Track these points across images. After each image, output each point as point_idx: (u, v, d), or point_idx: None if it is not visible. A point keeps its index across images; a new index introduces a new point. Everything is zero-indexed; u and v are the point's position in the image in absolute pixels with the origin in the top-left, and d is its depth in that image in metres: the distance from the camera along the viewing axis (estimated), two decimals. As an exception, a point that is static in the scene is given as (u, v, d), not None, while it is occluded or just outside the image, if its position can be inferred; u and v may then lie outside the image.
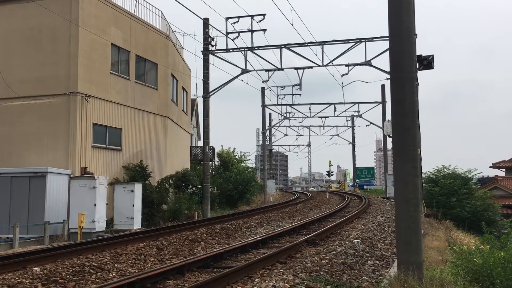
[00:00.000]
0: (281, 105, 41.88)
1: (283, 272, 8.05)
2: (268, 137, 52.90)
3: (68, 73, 19.89)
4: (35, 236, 16.43)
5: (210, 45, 24.65)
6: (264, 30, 24.16)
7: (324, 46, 24.07)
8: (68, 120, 19.67)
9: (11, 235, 15.48)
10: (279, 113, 45.53)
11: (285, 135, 56.21)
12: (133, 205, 19.09)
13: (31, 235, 16.55)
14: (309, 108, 42.28)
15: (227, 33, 24.12)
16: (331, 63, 24.36)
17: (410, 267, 6.67)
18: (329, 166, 70.08)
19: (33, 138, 19.84)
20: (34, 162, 19.20)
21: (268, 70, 26.31)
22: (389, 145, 43.29)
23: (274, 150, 68.04)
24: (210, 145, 26.29)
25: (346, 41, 23.90)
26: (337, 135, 53.81)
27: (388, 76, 26.09)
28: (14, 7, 20.84)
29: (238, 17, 24.09)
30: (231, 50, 24.78)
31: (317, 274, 7.75)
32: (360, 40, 23.60)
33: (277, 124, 49.63)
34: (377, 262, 9.51)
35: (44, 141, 19.69)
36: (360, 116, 42.93)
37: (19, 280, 8.25)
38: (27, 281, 8.22)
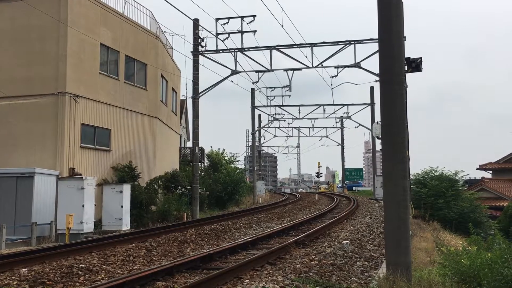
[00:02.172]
0: (271, 106, 41.93)
1: (273, 273, 8.06)
2: (257, 138, 52.95)
3: (56, 73, 19.72)
4: (22, 237, 16.23)
5: (200, 46, 24.61)
6: (254, 32, 24.19)
7: (314, 47, 24.16)
8: (56, 120, 19.49)
9: (-3, 236, 15.28)
10: (268, 114, 45.61)
11: (275, 136, 56.22)
12: (122, 206, 18.96)
13: (18, 236, 16.35)
14: (299, 109, 42.41)
15: (217, 34, 24.11)
16: (320, 65, 24.46)
17: (398, 268, 6.72)
18: (318, 167, 70.27)
19: (20, 138, 19.63)
20: (21, 163, 18.99)
21: (258, 71, 26.32)
22: (378, 146, 43.59)
23: (263, 151, 68.11)
24: (200, 146, 26.22)
25: (335, 43, 24.01)
26: (326, 136, 54.03)
27: (377, 78, 26.31)
28: (1, 6, 20.60)
29: (228, 18, 24.09)
30: (221, 51, 24.76)
31: (306, 275, 7.78)
32: (349, 42, 23.72)
33: (267, 125, 49.70)
34: (366, 263, 9.57)
35: (32, 142, 19.49)
36: (349, 117, 43.14)
37: (6, 282, 8.16)
38: (15, 283, 8.14)
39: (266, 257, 9.70)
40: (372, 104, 42.45)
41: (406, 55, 10.76)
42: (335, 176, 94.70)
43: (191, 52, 24.75)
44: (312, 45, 24.16)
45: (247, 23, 24.01)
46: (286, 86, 34.35)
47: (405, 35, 7.71)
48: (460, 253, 8.54)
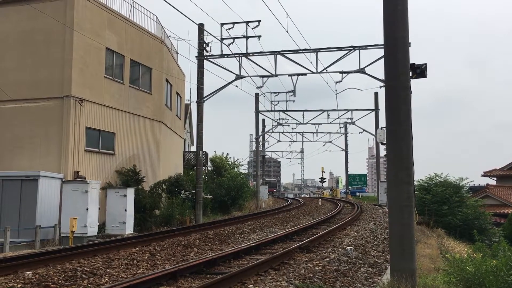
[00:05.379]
0: (275, 111, 42.00)
1: (277, 278, 8.05)
2: (261, 143, 52.94)
3: (62, 77, 19.82)
4: (26, 240, 16.27)
5: (204, 51, 24.68)
6: (259, 37, 24.25)
7: (318, 53, 24.18)
8: (61, 123, 19.57)
9: (1, 239, 15.30)
10: (272, 119, 45.66)
11: (278, 141, 56.33)
12: (126, 210, 18.96)
13: (22, 239, 16.39)
14: (303, 114, 42.44)
15: (222, 39, 24.18)
16: (325, 70, 24.47)
17: (403, 274, 6.70)
18: (322, 172, 70.12)
19: (25, 141, 19.71)
20: (26, 166, 19.07)
21: (262, 76, 26.37)
22: (382, 152, 43.50)
23: (267, 156, 68.05)
24: (204, 150, 26.25)
25: (340, 49, 24.03)
26: (330, 141, 53.99)
27: (382, 84, 26.31)
28: (8, 10, 20.76)
29: (233, 23, 24.17)
30: (225, 56, 24.82)
31: (310, 281, 7.76)
32: (354, 48, 23.75)
33: (271, 130, 49.71)
34: (370, 269, 9.53)
35: (37, 145, 19.58)
36: (353, 123, 43.11)
37: (10, 285, 8.18)
38: (19, 286, 8.15)
39: (270, 262, 9.67)
40: (376, 109, 42.40)
41: (410, 61, 10.76)
42: (338, 181, 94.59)
43: (195, 56, 24.83)
44: (316, 50, 24.19)
45: (252, 28, 24.10)
46: (290, 91, 34.36)
47: (410, 41, 7.71)
48: (465, 260, 8.49)
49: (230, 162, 41.98)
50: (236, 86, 26.82)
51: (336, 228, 16.80)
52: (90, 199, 17.48)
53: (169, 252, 12.05)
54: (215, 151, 43.19)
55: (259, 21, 24.11)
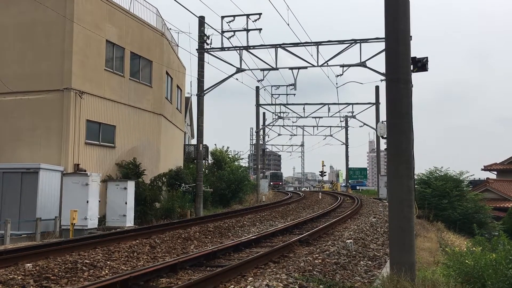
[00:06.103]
0: (275, 104, 41.98)
1: (276, 271, 8.06)
2: (261, 137, 52.93)
3: (62, 69, 19.78)
4: (26, 232, 16.33)
5: (205, 44, 24.58)
6: (260, 30, 24.15)
7: (319, 46, 24.10)
8: (61, 116, 19.55)
9: (2, 231, 15.36)
10: (273, 113, 45.61)
11: (279, 134, 56.25)
12: (126, 203, 19.02)
13: (23, 231, 16.45)
14: (303, 108, 42.42)
15: (223, 32, 24.09)
16: (326, 64, 24.40)
17: (402, 267, 6.71)
18: (322, 166, 70.10)
19: (25, 133, 19.71)
20: (26, 158, 19.08)
21: (263, 70, 26.29)
22: (382, 146, 43.50)
23: (267, 150, 68.09)
24: (204, 143, 26.24)
25: (341, 42, 23.94)
26: (331, 135, 53.98)
27: (383, 78, 26.24)
28: (8, 2, 20.67)
29: (234, 16, 24.07)
30: (226, 49, 24.74)
31: (310, 274, 7.78)
32: (355, 41, 23.66)
33: (271, 124, 49.68)
34: (370, 262, 9.56)
35: (37, 137, 19.57)
36: (353, 117, 43.10)
37: (11, 277, 8.21)
38: (19, 277, 8.18)
39: (270, 255, 9.70)
40: (377, 103, 42.35)
41: (412, 54, 10.74)
42: (339, 175, 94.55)
43: (196, 49, 24.74)
44: (317, 43, 24.10)
45: (253, 21, 23.98)
46: (291, 85, 34.29)
47: (411, 34, 7.67)
48: (464, 254, 8.51)
49: (230, 156, 41.99)
50: (237, 79, 26.79)
51: (336, 222, 16.83)
52: (90, 191, 17.51)
53: (169, 245, 12.08)
54: (215, 145, 43.30)
55: (260, 14, 24.00)
